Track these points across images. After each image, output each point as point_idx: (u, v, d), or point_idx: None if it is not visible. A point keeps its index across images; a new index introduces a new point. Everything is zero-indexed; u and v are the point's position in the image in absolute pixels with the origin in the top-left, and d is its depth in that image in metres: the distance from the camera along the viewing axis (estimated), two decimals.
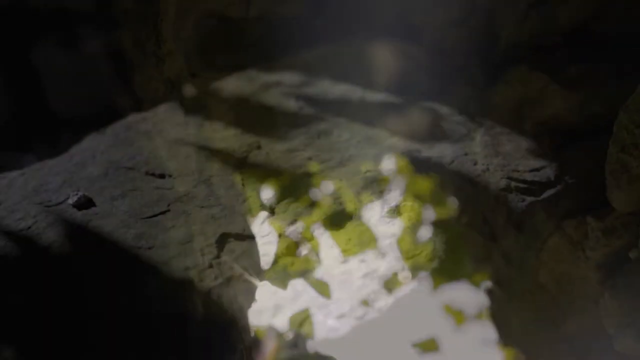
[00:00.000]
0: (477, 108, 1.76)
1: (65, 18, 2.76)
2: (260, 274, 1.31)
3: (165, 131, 1.74)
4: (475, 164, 1.53)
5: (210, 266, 1.29)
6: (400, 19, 1.98)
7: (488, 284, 1.33)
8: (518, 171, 1.53)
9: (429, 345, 1.23)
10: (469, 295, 1.30)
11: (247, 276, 1.29)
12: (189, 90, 2.25)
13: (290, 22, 2.02)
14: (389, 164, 1.54)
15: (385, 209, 1.40)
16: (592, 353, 1.42)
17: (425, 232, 1.37)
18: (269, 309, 1.23)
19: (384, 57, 1.90)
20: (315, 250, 1.35)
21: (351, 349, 1.20)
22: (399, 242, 1.34)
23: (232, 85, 1.95)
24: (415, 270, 1.31)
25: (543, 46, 1.82)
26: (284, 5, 2.03)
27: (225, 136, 1.70)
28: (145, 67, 2.22)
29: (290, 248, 1.36)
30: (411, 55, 1.93)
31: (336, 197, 1.46)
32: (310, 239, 1.37)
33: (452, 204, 1.43)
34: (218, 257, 1.32)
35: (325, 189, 1.46)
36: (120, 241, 1.35)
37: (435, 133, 1.65)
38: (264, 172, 1.52)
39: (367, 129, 1.68)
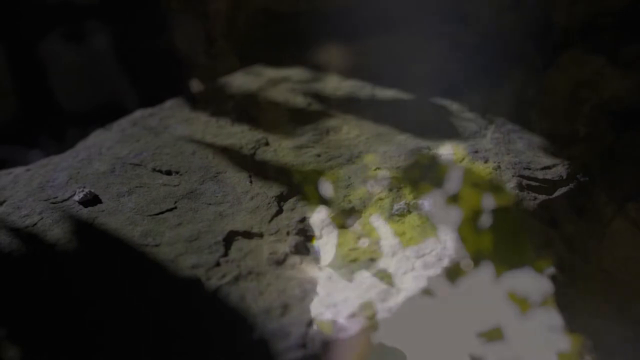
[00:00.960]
0: (534, 93, 1.76)
1: (72, 11, 2.75)
2: (320, 266, 1.30)
3: (172, 127, 1.73)
4: (486, 161, 1.51)
5: (218, 264, 1.28)
6: (453, 7, 1.98)
7: (551, 270, 1.32)
8: (529, 169, 1.51)
9: (494, 334, 1.22)
10: (533, 282, 1.29)
11: (308, 269, 1.28)
12: (195, 85, 2.24)
13: (340, 14, 2.03)
14: (446, 153, 1.54)
15: (444, 198, 1.39)
16: None
17: (486, 220, 1.36)
18: (332, 301, 1.21)
19: (435, 47, 1.90)
20: (375, 242, 1.33)
21: (415, 340, 1.19)
22: (460, 230, 1.33)
23: (239, 80, 1.94)
24: (476, 258, 1.29)
25: (596, 27, 1.82)
26: None
27: (232, 132, 1.69)
28: (197, 66, 2.24)
29: (350, 240, 1.35)
30: (464, 43, 1.92)
31: (393, 188, 1.45)
32: (369, 230, 1.36)
33: (511, 191, 1.43)
34: (226, 255, 1.31)
35: (381, 180, 1.45)
36: (127, 238, 1.34)
37: (446, 130, 1.64)
38: (315, 169, 1.53)
39: (377, 126, 1.67)
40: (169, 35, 2.49)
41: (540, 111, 1.70)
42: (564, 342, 1.24)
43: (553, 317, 1.26)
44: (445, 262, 1.27)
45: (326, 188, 1.47)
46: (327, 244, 1.35)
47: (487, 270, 1.28)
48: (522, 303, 1.25)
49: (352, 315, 1.18)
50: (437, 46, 1.95)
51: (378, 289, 1.23)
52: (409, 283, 1.24)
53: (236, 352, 1.12)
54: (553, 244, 1.38)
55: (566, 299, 1.29)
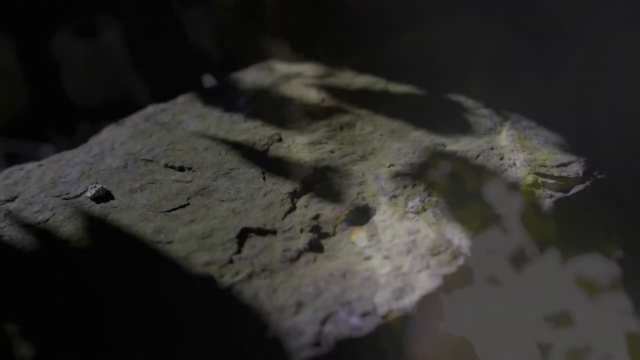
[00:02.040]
0: (592, 77, 1.75)
1: (84, 6, 2.75)
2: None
3: (185, 123, 1.72)
4: (501, 158, 1.50)
5: (231, 261, 1.27)
6: None
7: (619, 253, 1.31)
8: (545, 166, 1.48)
9: (562, 319, 1.21)
10: (601, 266, 1.28)
11: (368, 261, 1.27)
12: (208, 80, 2.23)
13: (389, 4, 2.01)
14: (506, 140, 1.53)
15: (506, 185, 1.38)
16: None
17: (549, 205, 1.36)
18: (394, 292, 1.20)
19: (492, 34, 1.89)
20: (389, 239, 1.32)
21: (481, 326, 1.19)
22: (523, 216, 1.32)
23: (252, 76, 1.93)
24: (542, 244, 1.29)
25: None
26: None
27: (245, 128, 1.68)
28: (249, 59, 2.24)
29: (364, 238, 1.34)
30: (518, 25, 1.90)
31: (455, 177, 1.44)
32: (383, 227, 1.35)
33: (575, 174, 1.43)
34: (239, 252, 1.30)
35: (442, 170, 1.45)
36: (140, 235, 1.34)
37: (461, 126, 1.62)
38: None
39: (391, 122, 1.66)
40: (183, 30, 2.48)
41: (598, 94, 1.68)
42: (635, 325, 1.23)
43: (623, 301, 1.24)
44: (461, 261, 1.26)
45: (434, 172, 1.46)
46: (340, 241, 1.34)
47: (553, 255, 1.27)
48: (590, 287, 1.24)
49: (366, 314, 1.17)
50: (495, 33, 1.92)
51: (393, 287, 1.22)
52: (424, 281, 1.23)
53: (249, 350, 1.11)
54: (620, 226, 1.37)
55: (636, 282, 1.28)
